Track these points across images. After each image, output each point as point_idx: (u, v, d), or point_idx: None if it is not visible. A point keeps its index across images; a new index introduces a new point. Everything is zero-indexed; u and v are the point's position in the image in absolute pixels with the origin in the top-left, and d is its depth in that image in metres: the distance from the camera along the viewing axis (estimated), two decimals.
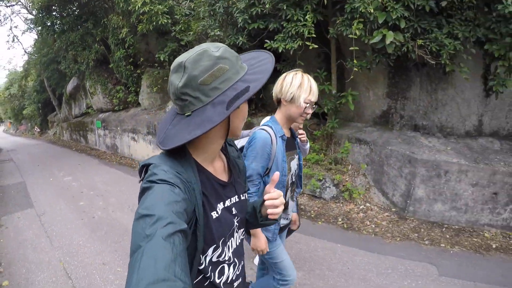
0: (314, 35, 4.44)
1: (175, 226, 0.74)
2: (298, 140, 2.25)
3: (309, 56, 5.49)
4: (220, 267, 1.06)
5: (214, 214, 1.01)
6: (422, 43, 4.06)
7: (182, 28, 6.95)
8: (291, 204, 2.14)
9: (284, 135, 1.94)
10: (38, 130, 23.70)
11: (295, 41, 4.49)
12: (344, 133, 5.37)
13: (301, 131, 2.38)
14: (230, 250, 1.10)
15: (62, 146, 13.53)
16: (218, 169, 1.09)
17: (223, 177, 1.10)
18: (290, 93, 1.86)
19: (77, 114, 13.50)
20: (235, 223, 1.11)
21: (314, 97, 1.86)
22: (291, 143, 2.06)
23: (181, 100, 0.93)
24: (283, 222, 2.12)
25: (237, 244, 1.14)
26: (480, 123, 4.97)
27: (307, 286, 2.94)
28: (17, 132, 35.09)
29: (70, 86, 12.93)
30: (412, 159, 4.42)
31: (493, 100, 4.68)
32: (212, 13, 5.55)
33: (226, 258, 1.08)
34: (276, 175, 1.10)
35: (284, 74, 1.92)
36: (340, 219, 4.44)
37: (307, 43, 4.46)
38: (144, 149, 8.68)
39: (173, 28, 7.12)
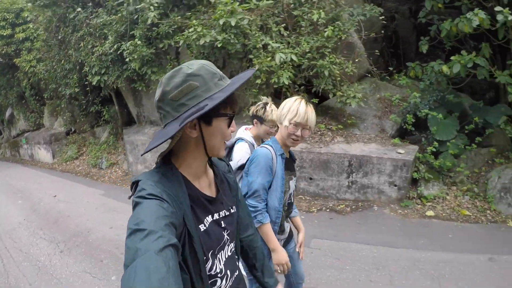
0: None
1: (166, 240, 0.79)
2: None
3: None
4: (212, 280, 1.10)
5: (202, 227, 1.05)
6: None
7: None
8: (287, 224, 2.23)
9: (283, 153, 2.04)
10: None
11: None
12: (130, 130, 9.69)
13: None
14: (222, 263, 1.14)
15: (2, 160, 18.00)
16: (204, 184, 1.13)
17: (210, 192, 1.15)
18: (280, 115, 1.99)
19: (14, 135, 17.86)
20: (225, 236, 1.16)
21: (300, 118, 1.91)
22: (289, 164, 2.16)
23: (159, 113, 1.03)
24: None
25: (227, 256, 1.18)
26: None
27: None
28: None
29: (7, 114, 17.30)
30: (134, 140, 8.40)
31: None
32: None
33: (218, 270, 1.12)
34: None
35: (285, 101, 2.02)
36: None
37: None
38: (43, 154, 13.21)
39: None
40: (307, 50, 5.71)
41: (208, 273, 1.08)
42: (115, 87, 8.41)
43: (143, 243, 0.77)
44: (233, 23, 5.25)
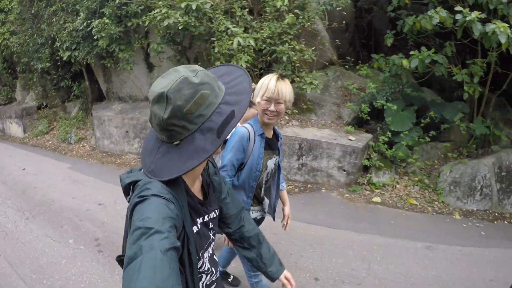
0: None
1: (171, 242, 0.81)
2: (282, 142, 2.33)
3: None
4: (199, 276, 1.16)
5: (195, 229, 1.10)
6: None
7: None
8: (266, 201, 2.28)
9: (263, 133, 2.08)
10: None
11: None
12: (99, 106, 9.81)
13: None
14: (207, 261, 1.21)
15: None
16: (196, 188, 1.18)
17: (200, 195, 1.20)
18: (255, 94, 2.03)
19: None
20: (211, 236, 1.23)
21: (270, 93, 1.94)
22: (272, 144, 2.20)
23: (168, 131, 0.97)
24: (255, 215, 2.30)
25: (209, 255, 1.25)
26: None
27: None
28: None
29: None
30: (102, 115, 8.50)
31: (156, 73, 7.77)
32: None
33: (206, 268, 1.20)
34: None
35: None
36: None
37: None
38: (15, 128, 13.16)
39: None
40: (269, 35, 5.87)
41: (198, 270, 1.12)
42: (85, 63, 8.50)
43: (149, 241, 0.78)
44: (194, 7, 5.43)
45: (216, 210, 1.27)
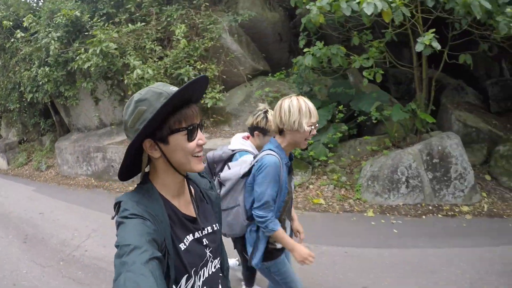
0: None
1: (150, 253, 0.84)
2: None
3: None
4: None
5: (182, 246, 1.08)
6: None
7: None
8: (288, 223, 2.20)
9: (288, 161, 2.02)
10: None
11: None
12: (63, 138, 11.64)
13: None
14: (201, 280, 1.15)
15: None
16: (183, 203, 1.15)
17: (189, 211, 1.17)
18: (293, 121, 1.87)
19: None
20: (208, 253, 1.18)
21: (314, 118, 1.89)
22: (290, 167, 2.12)
23: (128, 138, 1.06)
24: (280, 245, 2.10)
25: (210, 273, 1.19)
26: (101, 120, 9.42)
27: None
28: None
29: None
30: (61, 145, 10.14)
31: (100, 106, 9.05)
32: None
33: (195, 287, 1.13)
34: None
35: (279, 103, 1.95)
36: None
37: None
38: (0, 161, 14.92)
39: None
40: (175, 60, 6.75)
41: None
42: (46, 101, 10.21)
43: (129, 257, 0.82)
44: (98, 51, 6.77)
45: (214, 226, 1.26)
